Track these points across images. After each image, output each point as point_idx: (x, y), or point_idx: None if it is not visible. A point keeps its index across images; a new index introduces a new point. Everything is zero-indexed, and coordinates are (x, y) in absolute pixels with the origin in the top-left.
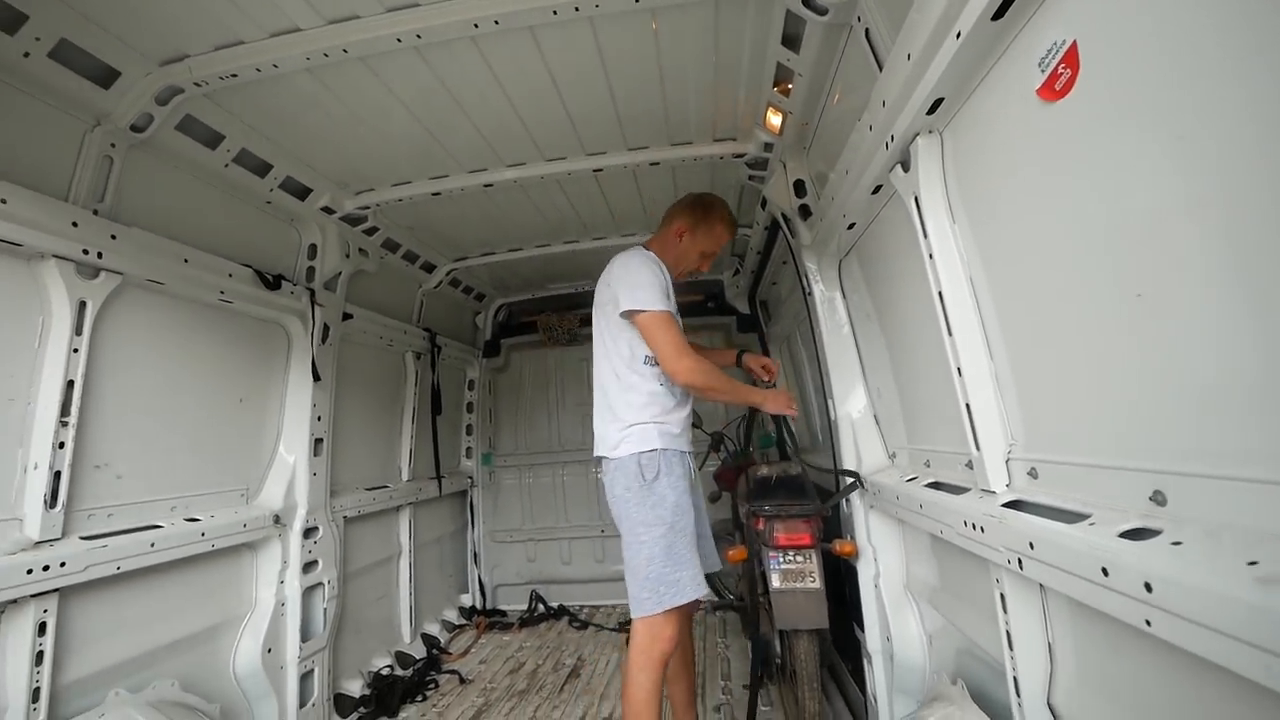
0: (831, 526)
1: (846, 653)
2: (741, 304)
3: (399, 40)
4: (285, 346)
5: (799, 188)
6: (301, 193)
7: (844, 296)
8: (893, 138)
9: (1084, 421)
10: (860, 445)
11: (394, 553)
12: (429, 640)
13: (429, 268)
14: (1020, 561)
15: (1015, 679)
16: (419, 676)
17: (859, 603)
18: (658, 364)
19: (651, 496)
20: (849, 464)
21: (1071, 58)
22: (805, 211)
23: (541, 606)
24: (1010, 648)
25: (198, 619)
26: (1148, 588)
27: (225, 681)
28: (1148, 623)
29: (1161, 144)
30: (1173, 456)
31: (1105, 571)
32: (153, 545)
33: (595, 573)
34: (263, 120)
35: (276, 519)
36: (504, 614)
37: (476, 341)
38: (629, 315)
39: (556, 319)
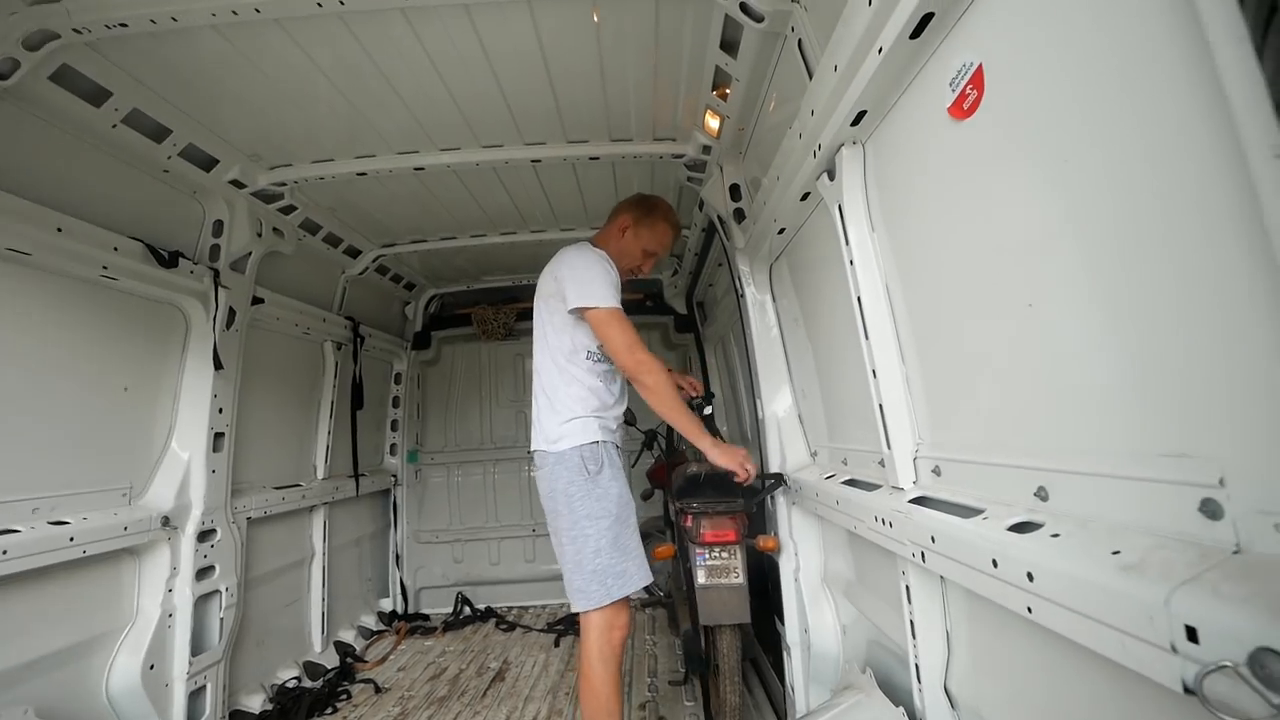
0: (756, 523)
1: (768, 644)
2: (679, 304)
3: (319, 4)
4: (182, 331)
5: (734, 191)
6: (206, 163)
7: (774, 300)
8: (820, 146)
9: (981, 422)
10: (785, 444)
11: (306, 556)
12: (343, 648)
13: (353, 253)
14: (923, 554)
15: (917, 665)
16: (329, 687)
17: (780, 595)
18: (601, 360)
19: (596, 489)
20: (774, 462)
21: (978, 79)
22: (740, 215)
23: (467, 609)
24: (914, 636)
25: (63, 635)
26: (1029, 577)
27: (96, 703)
28: (1029, 609)
29: (1050, 165)
30: (1054, 455)
31: (995, 563)
32: (4, 553)
33: (525, 573)
34: (160, 79)
35: (165, 521)
36: (427, 618)
37: (405, 333)
38: (579, 312)
39: (492, 312)
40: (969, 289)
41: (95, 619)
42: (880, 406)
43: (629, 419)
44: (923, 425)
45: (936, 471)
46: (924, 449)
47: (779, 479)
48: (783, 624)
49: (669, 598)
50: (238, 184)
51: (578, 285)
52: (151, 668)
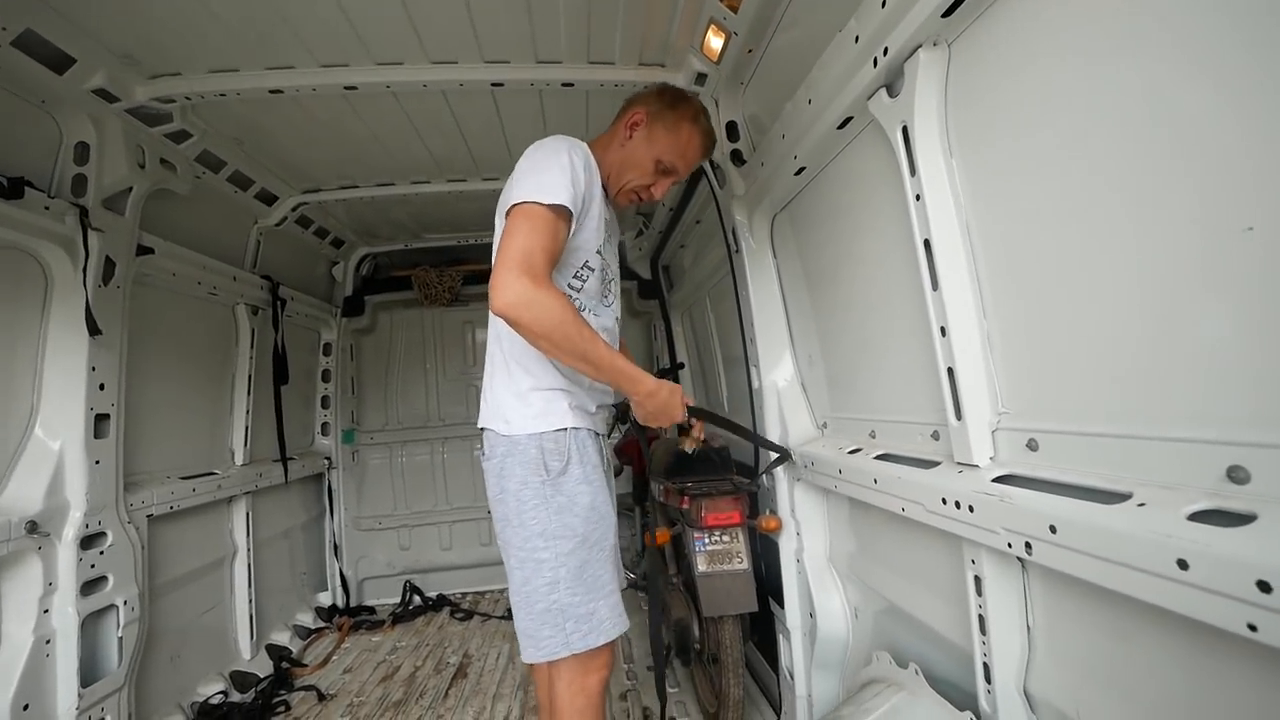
0: (752, 501)
1: (758, 628)
2: (643, 268)
3: None
4: (41, 286)
5: (731, 130)
6: (57, 61)
7: (774, 255)
8: (885, 51)
9: (1107, 385)
10: (786, 415)
11: (226, 553)
12: (277, 652)
13: (269, 198)
14: (1028, 546)
15: (986, 664)
16: (263, 699)
17: (775, 577)
18: (579, 301)
19: (558, 496)
20: (774, 435)
21: None
22: (738, 158)
23: (418, 599)
24: (984, 632)
25: None
26: (1264, 587)
27: None
28: (1252, 627)
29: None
30: (1248, 424)
31: (1183, 564)
32: None
33: (480, 556)
34: None
35: (33, 526)
36: (373, 611)
37: (334, 297)
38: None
39: (435, 275)
40: (1101, 220)
41: None
42: (950, 370)
43: (620, 415)
44: (1005, 391)
45: (1031, 445)
46: (1008, 420)
47: (784, 453)
48: (780, 607)
49: (644, 580)
50: (106, 95)
51: (522, 178)
52: (26, 708)
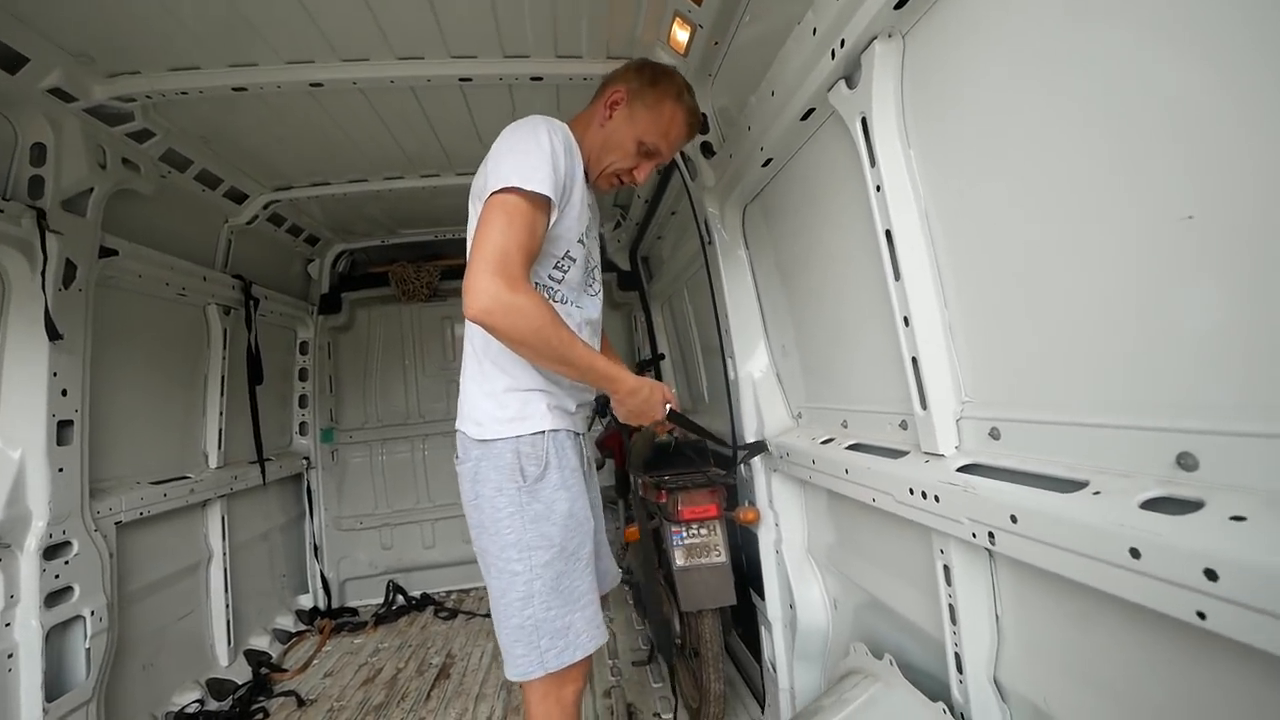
0: (730, 493)
1: (740, 619)
2: (622, 260)
3: None
4: None
5: (702, 122)
6: (9, 61)
7: (747, 246)
8: (842, 43)
9: (1065, 373)
10: (762, 406)
11: (201, 558)
12: (255, 658)
13: (238, 197)
14: (991, 536)
15: (957, 655)
16: (241, 706)
17: (755, 569)
18: (558, 294)
19: (534, 504)
20: (750, 426)
21: None
22: (708, 150)
23: (401, 599)
24: (953, 622)
25: None
26: (1210, 575)
27: None
28: (1201, 615)
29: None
30: (1198, 411)
31: (1135, 553)
32: None
33: (464, 554)
34: None
35: None
36: (355, 612)
37: (310, 295)
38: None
39: (413, 270)
40: (1051, 208)
41: None
42: (914, 360)
43: (600, 409)
44: (968, 380)
45: (994, 434)
46: (971, 408)
47: (760, 445)
48: (760, 598)
49: (631, 574)
50: (63, 95)
51: (498, 162)
52: None
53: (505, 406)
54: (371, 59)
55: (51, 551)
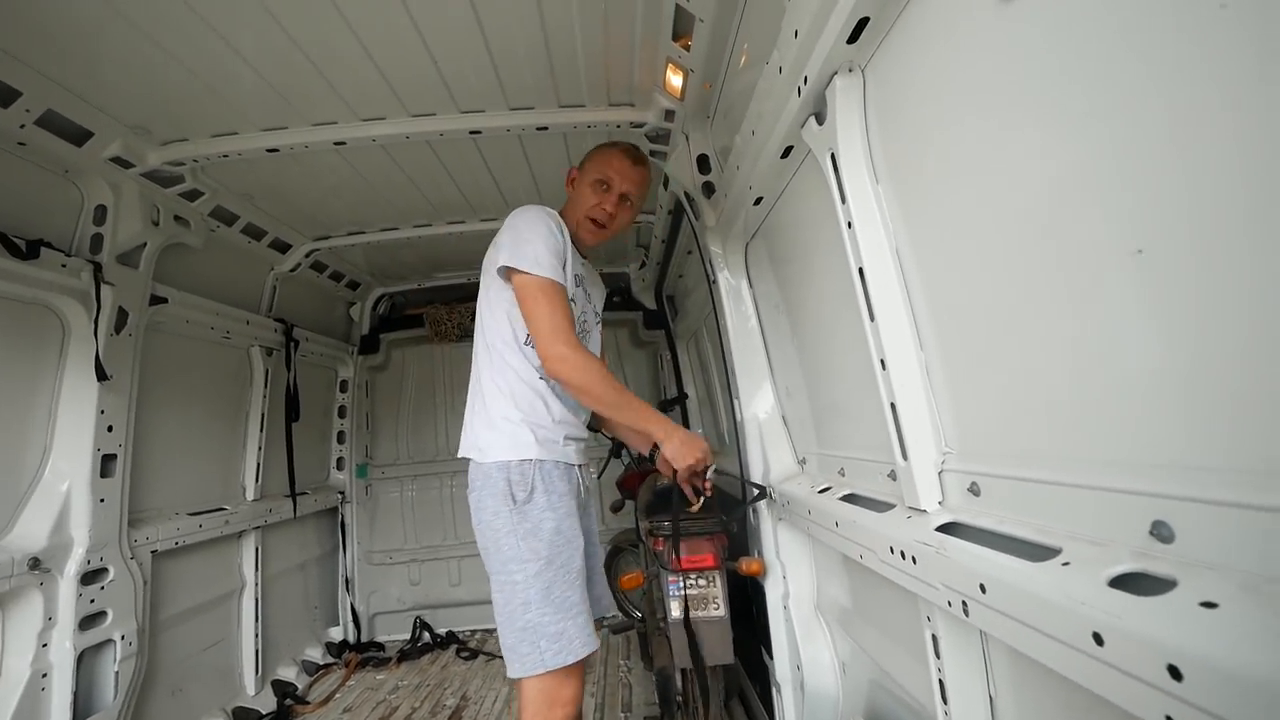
0: (738, 541)
1: (755, 676)
2: (648, 299)
3: None
4: (59, 337)
5: (702, 163)
6: (76, 135)
7: (750, 285)
8: (806, 80)
9: (1043, 425)
10: (768, 450)
11: (234, 588)
12: (281, 688)
13: (282, 247)
14: (964, 606)
15: None
16: None
17: (767, 623)
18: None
19: (524, 523)
20: (756, 470)
21: None
22: (709, 189)
23: (426, 635)
24: (944, 700)
25: None
26: (1174, 673)
27: None
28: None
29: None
30: (1175, 475)
31: (1099, 639)
32: None
33: (488, 593)
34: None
35: (35, 563)
36: (382, 647)
37: (351, 336)
38: (507, 274)
39: (445, 312)
40: (1024, 248)
41: None
42: (892, 406)
43: (593, 425)
44: (949, 429)
45: (974, 490)
46: (952, 460)
47: (762, 491)
48: (770, 656)
49: (644, 623)
50: (122, 163)
51: (511, 244)
52: None
53: (499, 432)
54: (388, 117)
55: (89, 577)
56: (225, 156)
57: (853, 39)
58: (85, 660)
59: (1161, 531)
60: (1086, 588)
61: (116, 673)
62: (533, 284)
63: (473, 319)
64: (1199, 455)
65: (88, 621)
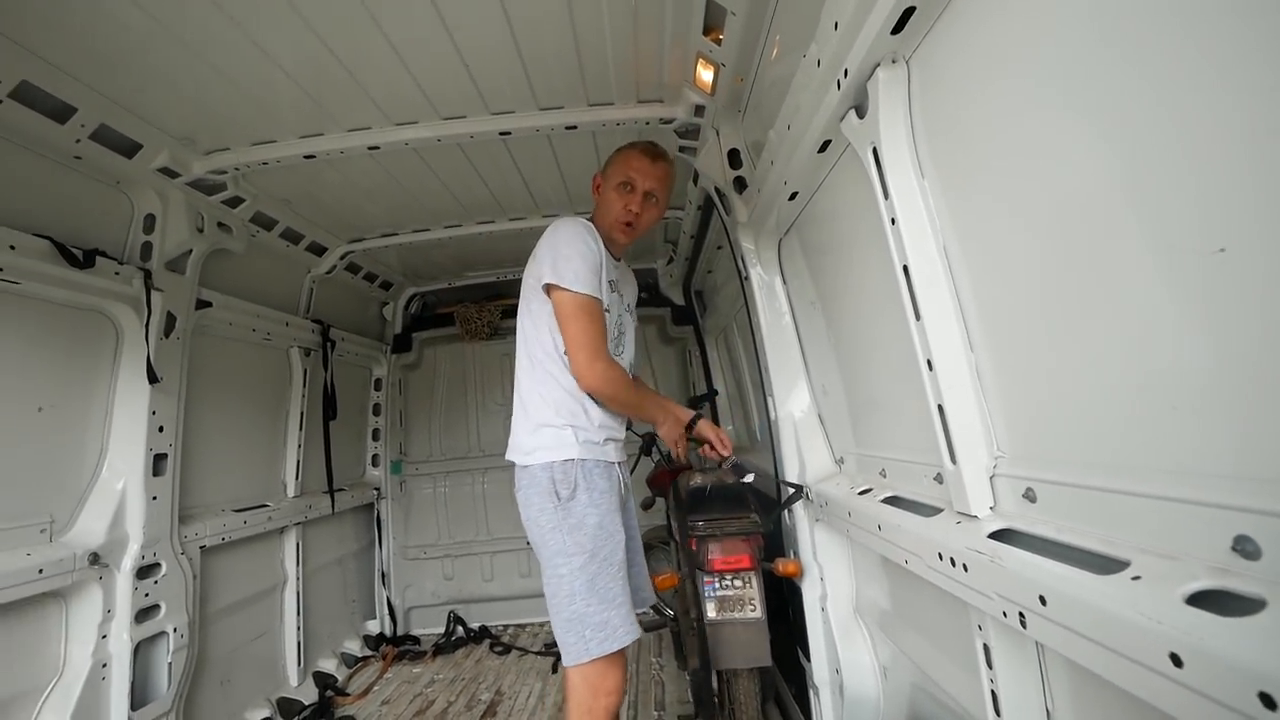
0: (773, 541)
1: (791, 678)
2: (676, 294)
3: None
4: (113, 342)
5: (733, 158)
6: (127, 148)
7: (784, 281)
8: (846, 72)
9: (1110, 435)
10: (804, 449)
11: (277, 582)
12: (322, 680)
13: (318, 250)
14: (1022, 618)
15: None
16: None
17: (804, 625)
18: None
19: (569, 519)
20: (791, 469)
21: None
22: (740, 184)
23: (460, 629)
24: (997, 713)
25: None
26: (1268, 702)
27: None
28: None
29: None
30: (1267, 489)
31: (1177, 660)
32: None
33: (520, 589)
34: (54, 46)
35: (95, 558)
36: (417, 641)
37: (385, 335)
38: (549, 290)
39: (475, 310)
40: (1085, 246)
41: (11, 676)
42: (940, 407)
43: (645, 447)
44: (1001, 432)
45: (1029, 496)
46: (1005, 464)
47: (798, 491)
48: (807, 659)
49: (677, 622)
50: (169, 173)
51: (551, 258)
52: None
53: (540, 438)
54: (419, 121)
55: (144, 571)
56: (265, 164)
57: (897, 29)
58: (141, 651)
59: (1246, 547)
60: (1161, 604)
61: (170, 663)
62: (570, 301)
63: (502, 317)
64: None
65: (143, 614)
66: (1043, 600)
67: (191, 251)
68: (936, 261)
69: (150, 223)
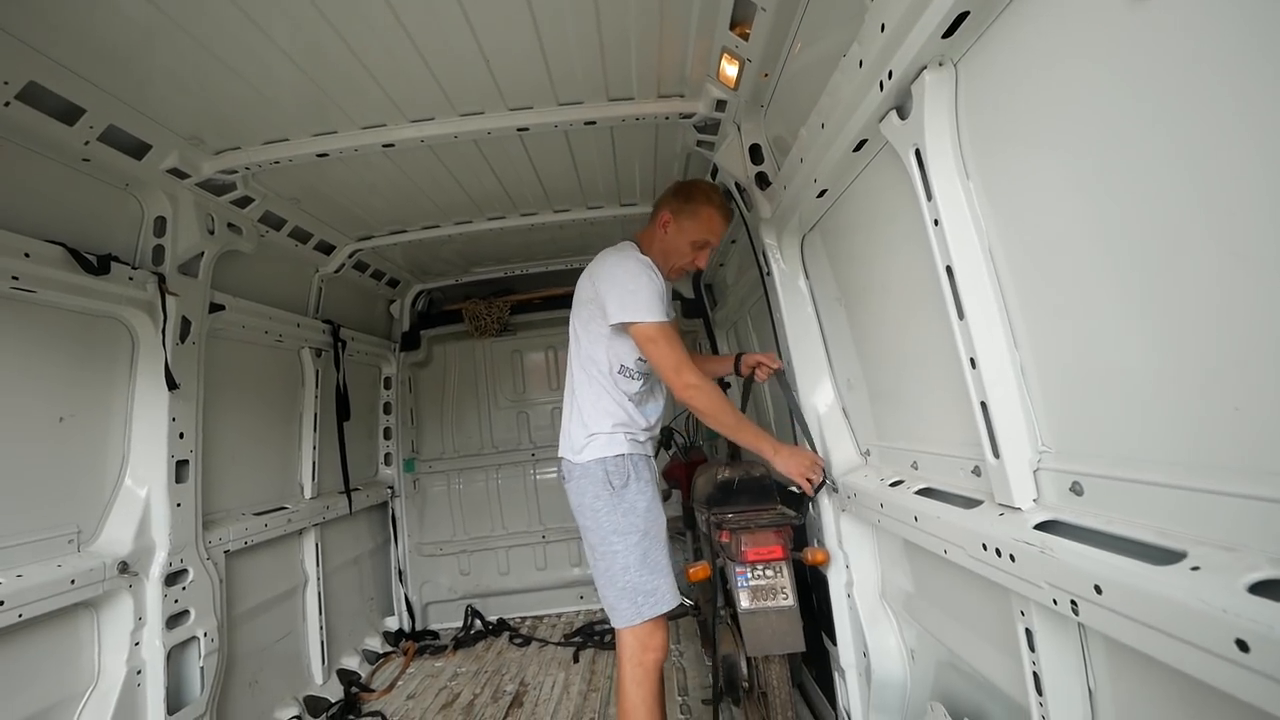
0: (798, 532)
1: (813, 663)
2: (686, 288)
3: None
4: (129, 348)
5: (755, 153)
6: (136, 149)
7: (806, 276)
8: (891, 74)
9: (1159, 430)
10: (828, 442)
11: (298, 583)
12: (346, 677)
13: (326, 248)
14: (1074, 605)
15: None
16: None
17: (828, 612)
18: (638, 376)
19: (623, 504)
20: None
21: None
22: (763, 180)
23: (478, 623)
24: (1039, 692)
25: (10, 710)
26: None
27: None
28: None
29: None
30: None
31: (1243, 645)
32: None
33: (536, 581)
34: (60, 43)
35: (124, 567)
36: (436, 635)
37: (392, 334)
38: (622, 326)
39: (484, 307)
40: (1133, 249)
41: (49, 685)
42: (983, 404)
43: (665, 441)
44: (1044, 428)
45: (1076, 489)
46: (1050, 459)
47: (824, 482)
48: (832, 643)
49: (699, 611)
50: (179, 174)
51: (619, 296)
52: None
53: (595, 439)
54: (437, 117)
55: (172, 578)
56: (276, 163)
57: (949, 33)
58: (174, 656)
59: None
60: (1223, 593)
61: (202, 667)
62: (652, 330)
63: (511, 313)
64: None
65: (173, 620)
66: (1098, 589)
67: (203, 254)
68: (980, 262)
69: (161, 225)
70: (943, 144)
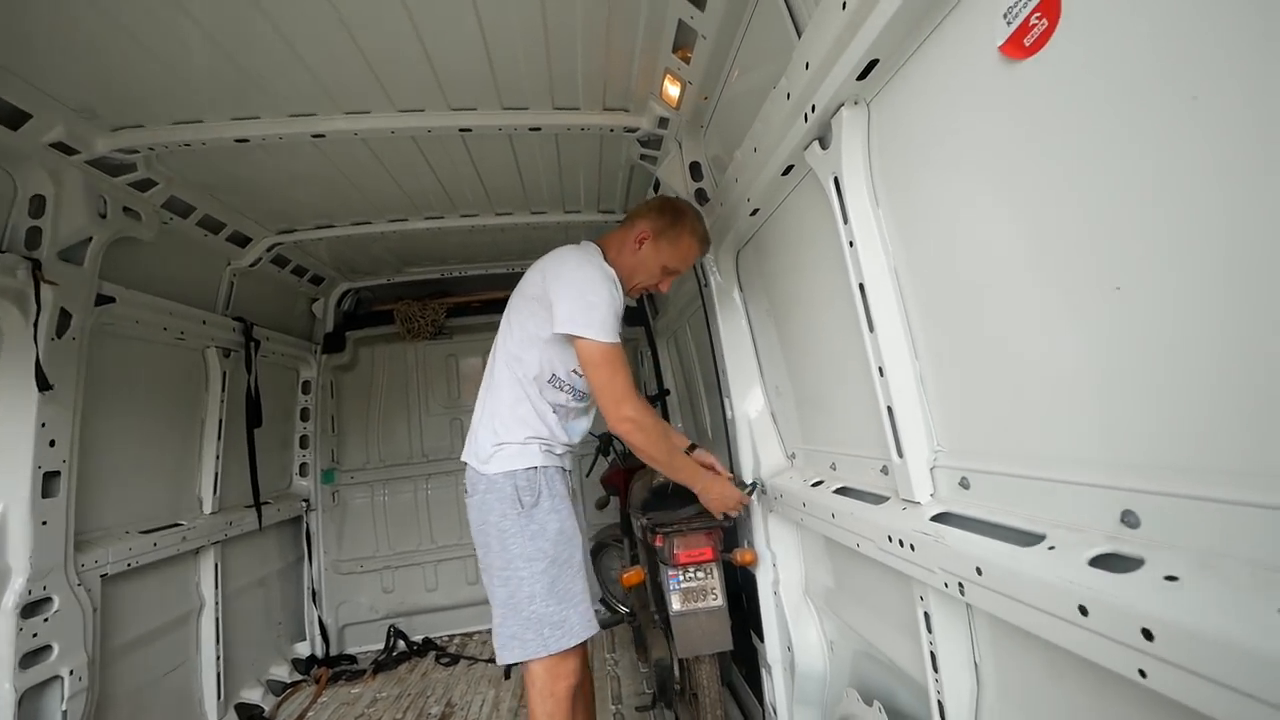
0: (729, 534)
1: (742, 660)
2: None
3: None
4: None
5: (694, 170)
6: (11, 117)
7: (741, 289)
8: (813, 108)
9: (1025, 427)
10: (758, 446)
11: (193, 608)
12: (246, 711)
13: (241, 240)
14: (961, 587)
15: (940, 702)
16: None
17: (757, 610)
18: (568, 389)
19: (531, 524)
20: (746, 465)
21: (1050, 4)
22: (701, 196)
23: (402, 644)
24: (935, 670)
25: None
26: (1147, 635)
27: None
28: (1142, 673)
29: (1163, 110)
30: (1142, 471)
31: (1084, 610)
32: None
33: (466, 596)
34: None
35: None
36: (354, 659)
37: (314, 334)
38: (567, 337)
39: (418, 308)
40: (1012, 273)
41: None
42: (889, 409)
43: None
44: (940, 429)
45: (964, 484)
46: (944, 457)
47: (754, 485)
48: (760, 640)
49: (634, 618)
50: (65, 148)
51: (572, 304)
52: None
53: (505, 449)
54: (373, 111)
55: (30, 609)
56: (187, 145)
57: (862, 76)
58: (27, 701)
59: (1129, 519)
60: (1071, 568)
61: (64, 711)
62: (599, 351)
63: (447, 315)
64: (1161, 454)
65: (29, 659)
66: (979, 571)
67: (91, 240)
68: (887, 281)
69: (39, 205)
70: (857, 173)
